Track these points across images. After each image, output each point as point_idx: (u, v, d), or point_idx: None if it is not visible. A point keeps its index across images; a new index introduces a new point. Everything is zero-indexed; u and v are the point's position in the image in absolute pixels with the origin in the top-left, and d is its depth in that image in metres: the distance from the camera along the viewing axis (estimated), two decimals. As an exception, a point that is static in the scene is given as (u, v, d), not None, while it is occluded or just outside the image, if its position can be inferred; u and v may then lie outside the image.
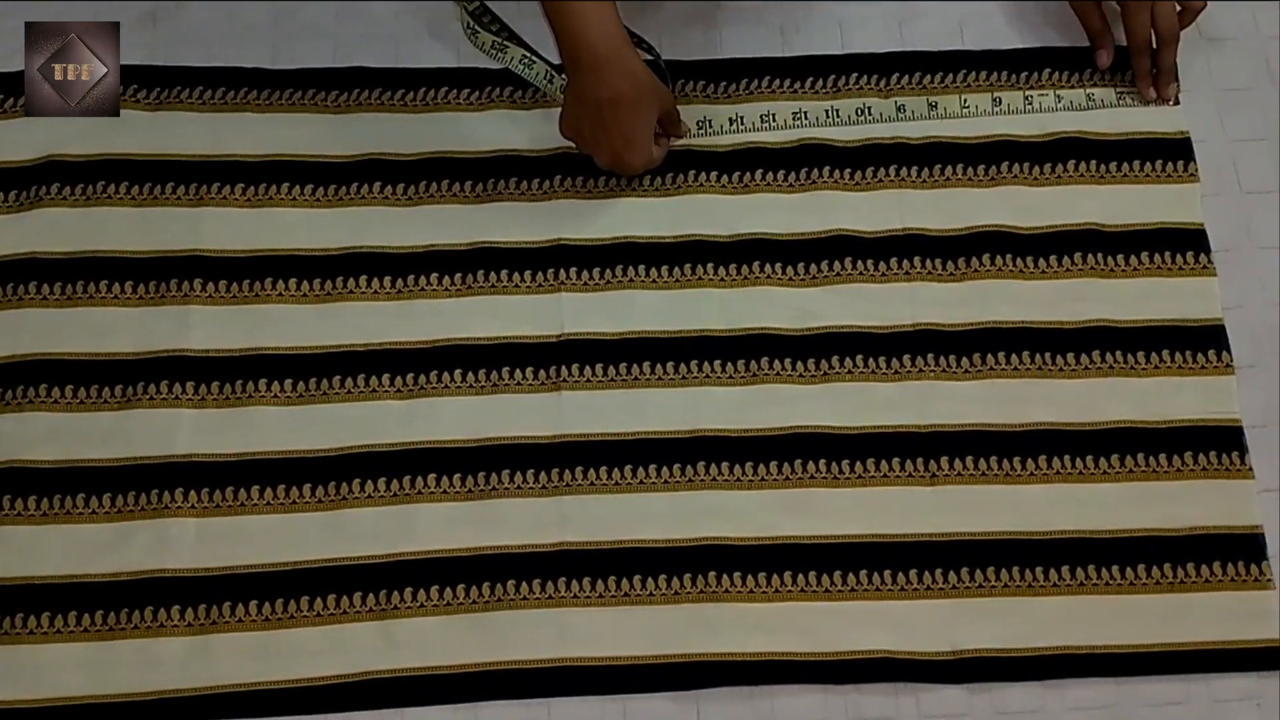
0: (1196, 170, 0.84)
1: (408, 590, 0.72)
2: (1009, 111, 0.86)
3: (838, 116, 0.85)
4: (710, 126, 0.85)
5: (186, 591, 0.72)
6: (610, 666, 0.71)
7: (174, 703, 0.70)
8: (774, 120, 0.85)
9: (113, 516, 0.74)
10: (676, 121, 0.83)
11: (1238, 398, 0.78)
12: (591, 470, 0.76)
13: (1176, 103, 0.86)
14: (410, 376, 0.77)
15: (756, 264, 0.81)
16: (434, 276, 0.80)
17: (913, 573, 0.73)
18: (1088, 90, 0.86)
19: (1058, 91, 0.86)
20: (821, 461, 0.76)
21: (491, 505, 0.75)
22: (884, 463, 0.76)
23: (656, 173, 0.83)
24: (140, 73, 0.85)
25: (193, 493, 0.74)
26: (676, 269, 0.81)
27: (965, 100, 0.86)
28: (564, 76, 0.80)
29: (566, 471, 0.75)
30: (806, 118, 0.85)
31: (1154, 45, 0.84)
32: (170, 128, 0.84)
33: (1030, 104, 0.86)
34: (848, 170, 0.84)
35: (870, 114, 0.86)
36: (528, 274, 0.81)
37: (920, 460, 0.76)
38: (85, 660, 0.71)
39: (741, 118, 0.85)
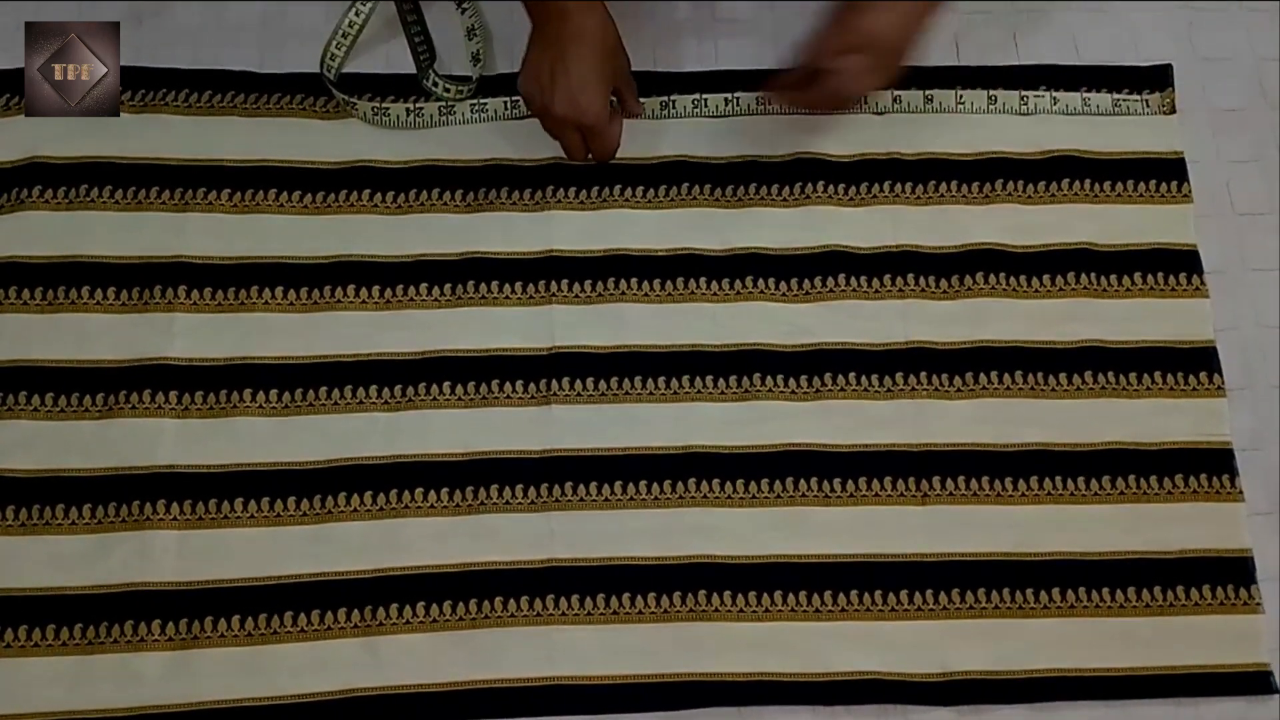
0: (1190, 191, 0.84)
1: (394, 606, 0.71)
2: (1004, 110, 0.86)
3: None
4: (706, 106, 0.85)
5: (168, 605, 0.71)
6: (598, 685, 0.71)
7: (154, 718, 0.69)
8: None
9: (93, 528, 0.72)
10: (632, 96, 0.83)
11: (1229, 420, 0.78)
12: (581, 486, 0.75)
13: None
14: (398, 388, 0.76)
15: (749, 279, 0.80)
16: (423, 286, 0.79)
17: (903, 593, 0.73)
18: (1084, 96, 0.86)
19: (1054, 94, 0.86)
20: (813, 479, 0.75)
21: (479, 520, 0.74)
22: (875, 481, 0.75)
23: (650, 184, 0.82)
24: (125, 74, 0.83)
25: (175, 504, 0.73)
26: (669, 282, 0.80)
27: (961, 96, 0.86)
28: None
29: (556, 487, 0.75)
30: None
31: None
32: (156, 131, 0.82)
33: (1025, 104, 0.86)
34: (842, 185, 0.83)
35: (866, 100, 0.85)
36: (518, 285, 0.80)
37: (912, 479, 0.76)
38: (64, 674, 0.69)
39: (738, 99, 0.85)
